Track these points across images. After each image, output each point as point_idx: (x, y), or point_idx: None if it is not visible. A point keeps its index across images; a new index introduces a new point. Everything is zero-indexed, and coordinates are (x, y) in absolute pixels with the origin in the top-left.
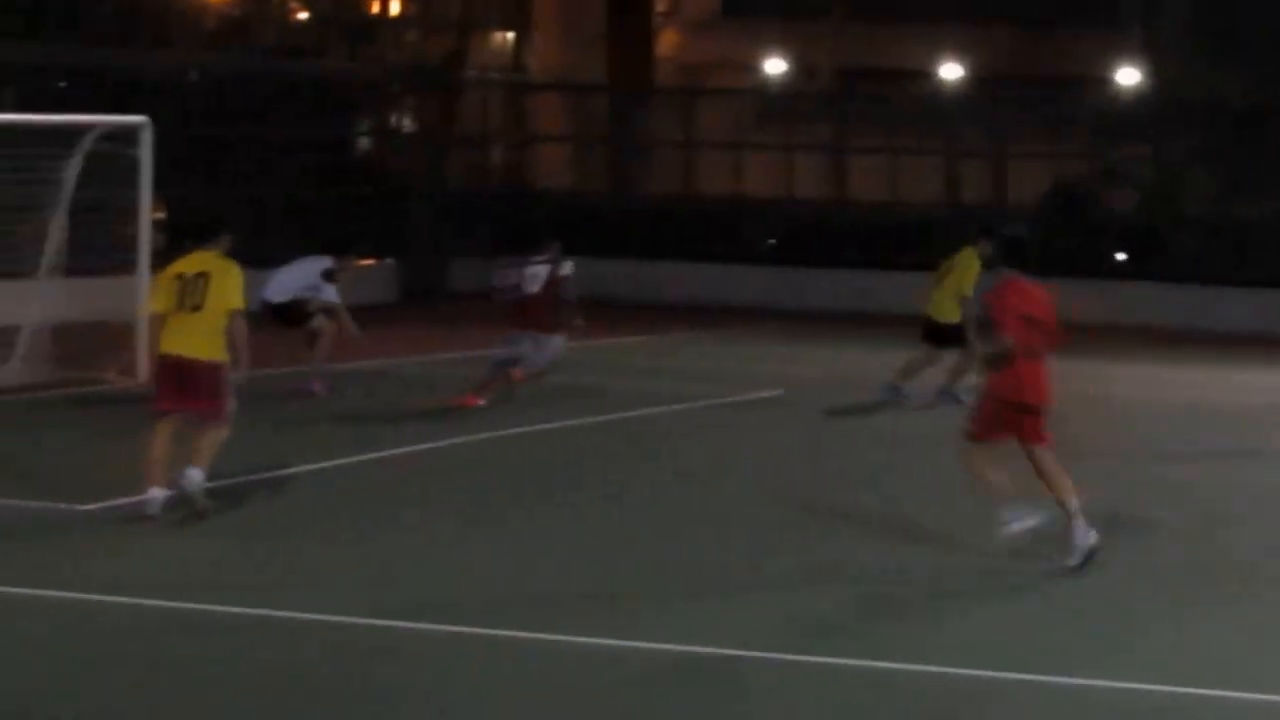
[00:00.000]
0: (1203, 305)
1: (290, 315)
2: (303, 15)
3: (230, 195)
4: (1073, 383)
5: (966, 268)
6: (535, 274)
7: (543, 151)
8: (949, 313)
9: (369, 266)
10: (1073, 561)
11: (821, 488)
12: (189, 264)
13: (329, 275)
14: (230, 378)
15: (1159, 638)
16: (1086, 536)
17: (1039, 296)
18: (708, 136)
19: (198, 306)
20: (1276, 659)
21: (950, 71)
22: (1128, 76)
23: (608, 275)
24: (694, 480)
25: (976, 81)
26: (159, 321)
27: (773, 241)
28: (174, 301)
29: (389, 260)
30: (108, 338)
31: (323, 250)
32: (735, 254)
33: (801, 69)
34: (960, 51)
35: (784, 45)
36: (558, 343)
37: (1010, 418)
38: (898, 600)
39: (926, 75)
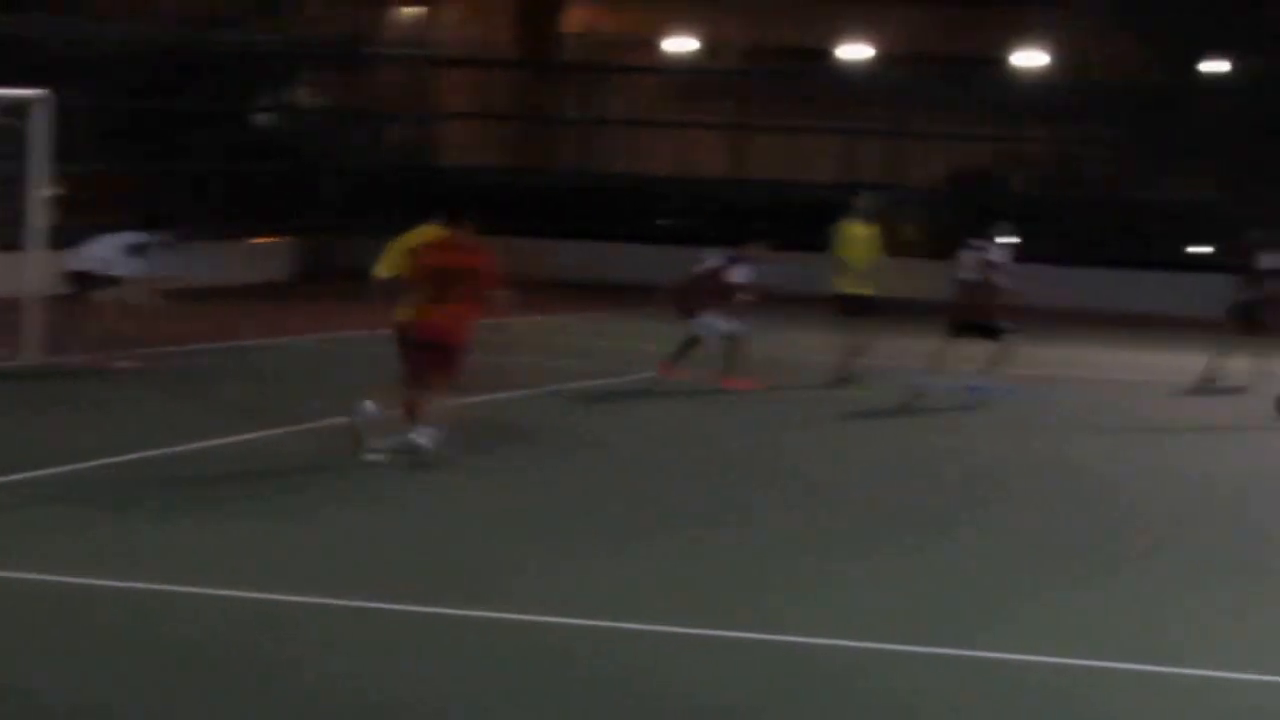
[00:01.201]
0: (1102, 286)
1: (82, 284)
2: None
3: (136, 170)
4: (976, 363)
5: (844, 238)
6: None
7: (451, 128)
8: (850, 285)
9: (270, 243)
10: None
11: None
12: None
13: (137, 250)
14: None
15: (1045, 607)
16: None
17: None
18: (614, 113)
19: None
20: (1157, 630)
21: (857, 51)
22: (1033, 58)
23: (512, 252)
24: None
25: (883, 60)
26: None
27: (667, 221)
28: None
29: (288, 238)
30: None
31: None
32: (638, 232)
33: (709, 47)
34: (870, 30)
35: (692, 22)
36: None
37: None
38: (769, 570)
39: (831, 54)
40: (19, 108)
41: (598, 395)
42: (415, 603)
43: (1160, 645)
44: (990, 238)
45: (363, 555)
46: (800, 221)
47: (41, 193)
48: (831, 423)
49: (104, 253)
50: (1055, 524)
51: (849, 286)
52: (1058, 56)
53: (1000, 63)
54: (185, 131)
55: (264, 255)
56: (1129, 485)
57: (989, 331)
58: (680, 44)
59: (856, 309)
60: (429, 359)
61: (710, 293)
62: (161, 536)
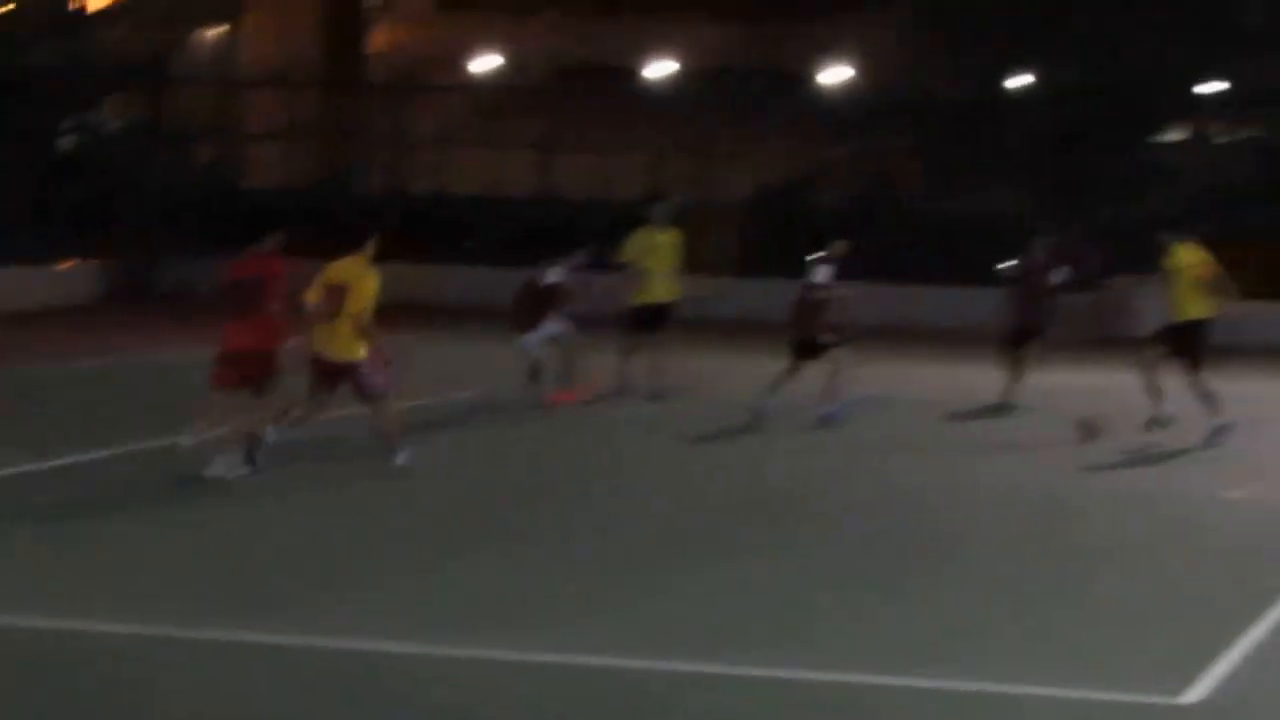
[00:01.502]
0: (910, 301)
1: None
2: (8, 6)
3: None
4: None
5: (642, 246)
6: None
7: (256, 149)
8: (645, 295)
9: (72, 267)
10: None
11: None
12: None
13: None
14: None
15: (838, 623)
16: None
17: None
18: (420, 133)
19: None
20: (959, 645)
21: (663, 69)
22: (840, 73)
23: (313, 274)
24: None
25: (689, 76)
26: None
27: (470, 244)
28: None
29: (93, 260)
30: None
31: None
32: (444, 253)
33: (516, 65)
34: (678, 47)
35: (499, 41)
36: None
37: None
38: (579, 589)
39: (636, 72)
40: None
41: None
42: (217, 628)
43: (949, 658)
44: (825, 255)
45: (167, 579)
46: (609, 238)
47: None
48: (651, 440)
49: None
50: (846, 544)
51: (644, 296)
52: (864, 70)
53: (808, 78)
54: None
55: (68, 278)
56: (931, 502)
57: (821, 349)
58: (486, 62)
59: (650, 319)
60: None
61: (546, 307)
62: None
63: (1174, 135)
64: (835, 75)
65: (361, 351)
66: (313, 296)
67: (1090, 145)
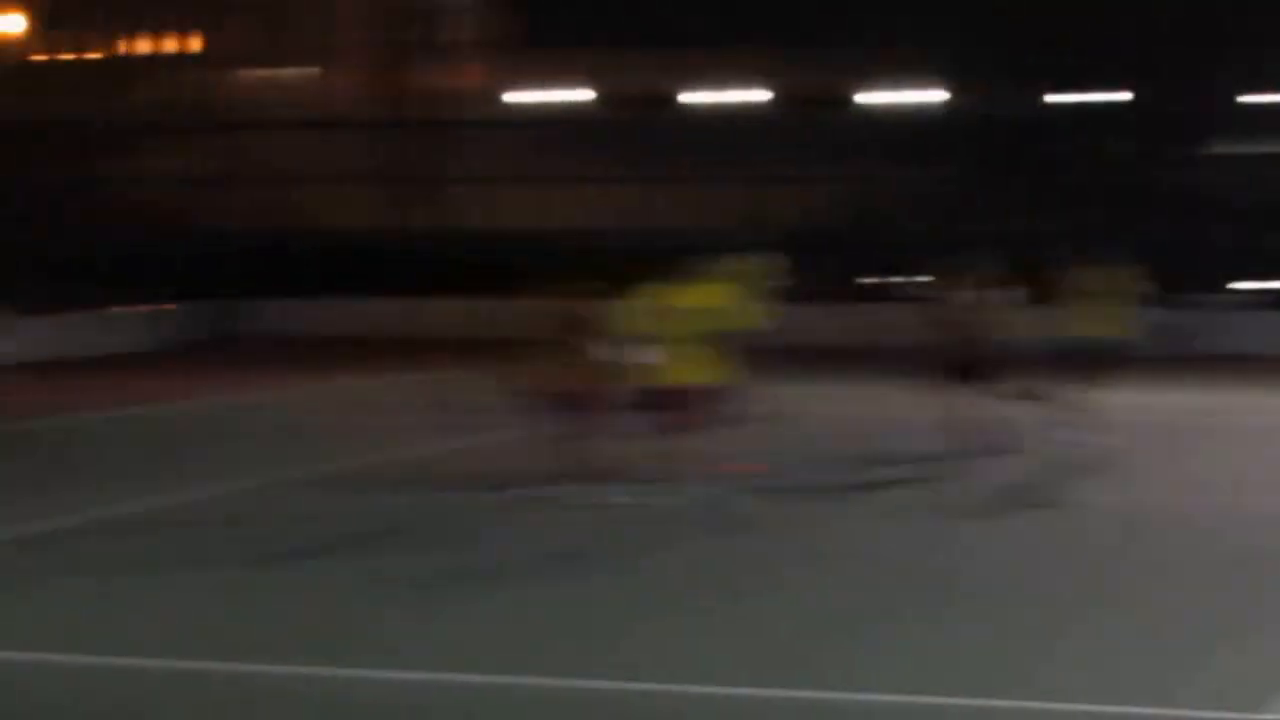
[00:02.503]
0: None
1: None
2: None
3: None
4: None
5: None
6: None
7: (307, 190)
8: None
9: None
10: None
11: None
12: None
13: None
14: None
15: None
16: None
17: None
18: (468, 170)
19: None
20: (1026, 661)
21: (713, 98)
22: (890, 98)
23: (370, 314)
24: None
25: (737, 106)
26: None
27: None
28: None
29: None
30: None
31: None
32: (496, 287)
33: (562, 100)
34: (728, 77)
35: (541, 77)
36: None
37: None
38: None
39: (681, 102)
40: None
41: None
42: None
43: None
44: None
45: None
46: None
47: None
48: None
49: None
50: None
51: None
52: (917, 95)
53: (858, 104)
54: (35, 201)
55: (122, 325)
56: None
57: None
58: (530, 98)
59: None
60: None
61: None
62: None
63: (1225, 149)
64: (886, 99)
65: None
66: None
67: (1141, 162)
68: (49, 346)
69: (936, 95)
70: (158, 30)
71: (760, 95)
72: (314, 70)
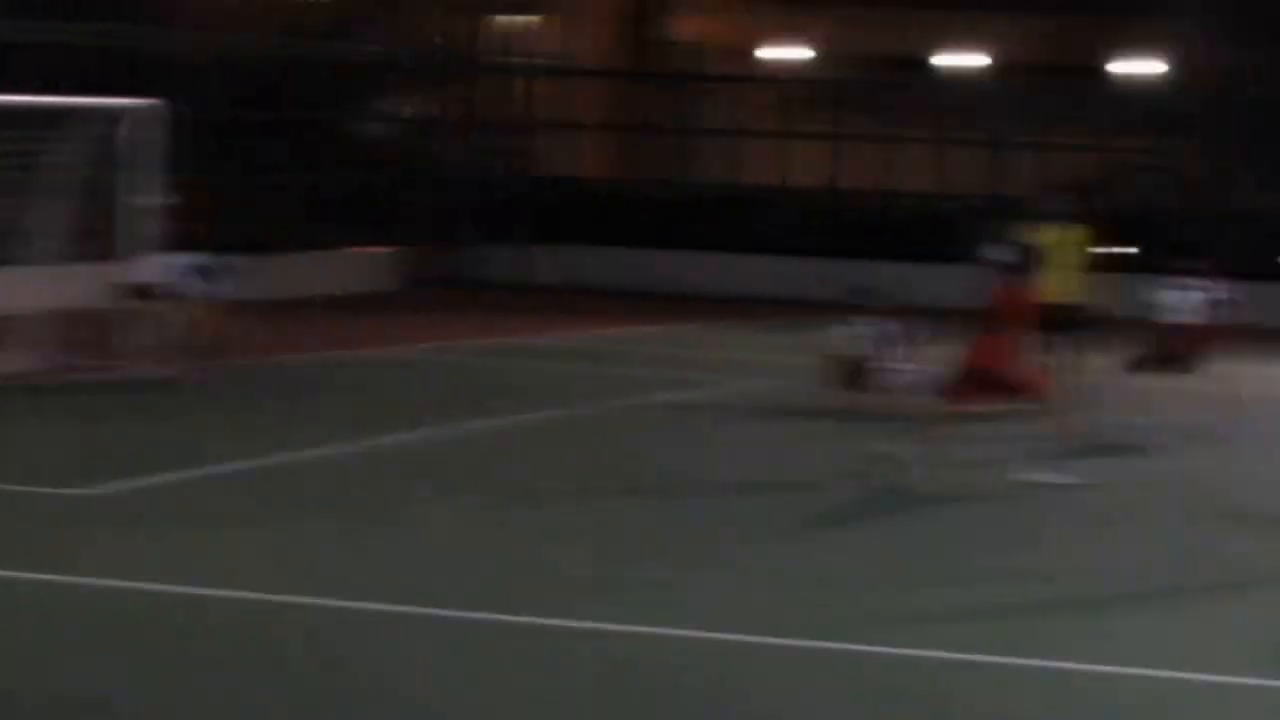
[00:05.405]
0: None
1: (144, 297)
2: None
3: (248, 182)
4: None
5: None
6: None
7: (551, 138)
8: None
9: (371, 253)
10: None
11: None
12: None
13: (200, 272)
14: None
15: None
16: None
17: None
18: (714, 123)
19: None
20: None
21: (959, 60)
22: (1137, 67)
23: (612, 263)
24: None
25: (986, 70)
26: None
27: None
28: None
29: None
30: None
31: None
32: (737, 242)
33: (812, 56)
34: (979, 41)
35: (793, 31)
36: None
37: None
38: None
39: (932, 64)
40: (113, 117)
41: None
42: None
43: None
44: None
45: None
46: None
47: (152, 201)
48: None
49: (167, 270)
50: None
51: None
52: (1170, 67)
53: (1110, 74)
54: (286, 142)
55: (365, 265)
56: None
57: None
58: (782, 53)
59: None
60: None
61: None
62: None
63: None
64: (1139, 70)
65: None
66: None
67: None
68: (296, 286)
69: (1192, 66)
70: None
71: (1013, 61)
72: (568, 16)
